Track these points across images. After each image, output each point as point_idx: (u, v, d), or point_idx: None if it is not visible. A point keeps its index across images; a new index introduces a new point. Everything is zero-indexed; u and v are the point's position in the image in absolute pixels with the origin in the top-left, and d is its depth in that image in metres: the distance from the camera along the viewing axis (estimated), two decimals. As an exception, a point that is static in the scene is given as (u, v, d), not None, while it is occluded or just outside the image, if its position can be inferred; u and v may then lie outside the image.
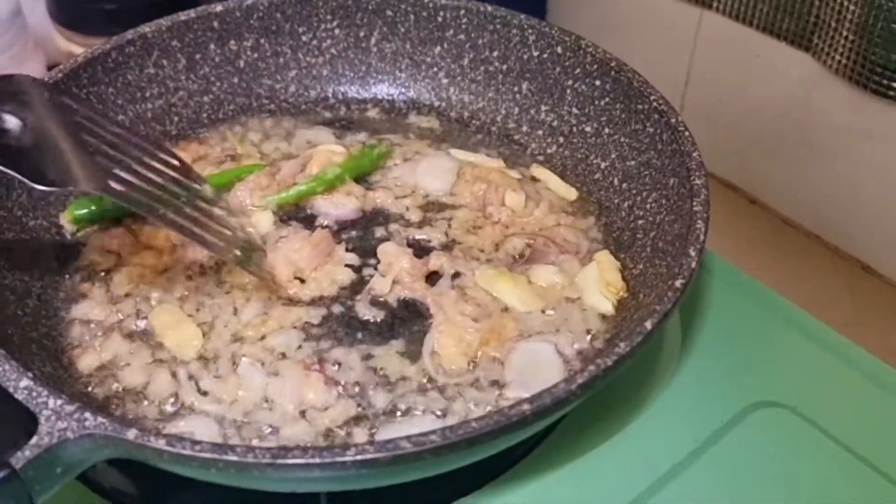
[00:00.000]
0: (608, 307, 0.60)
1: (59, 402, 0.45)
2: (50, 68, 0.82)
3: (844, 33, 0.82)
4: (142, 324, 0.59)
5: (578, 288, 0.62)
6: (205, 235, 0.56)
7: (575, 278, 0.62)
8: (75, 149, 0.54)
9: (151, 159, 0.58)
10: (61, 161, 0.53)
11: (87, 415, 0.45)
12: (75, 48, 0.86)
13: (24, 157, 0.52)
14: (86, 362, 0.57)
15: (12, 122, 0.53)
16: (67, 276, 0.63)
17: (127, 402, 0.55)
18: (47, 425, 0.44)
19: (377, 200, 0.68)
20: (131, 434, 0.44)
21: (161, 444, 0.44)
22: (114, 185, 0.54)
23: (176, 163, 0.60)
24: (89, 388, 0.56)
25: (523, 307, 0.60)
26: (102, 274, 0.63)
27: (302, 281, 0.62)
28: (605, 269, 0.62)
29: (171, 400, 0.55)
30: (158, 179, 0.57)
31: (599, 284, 0.61)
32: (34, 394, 0.46)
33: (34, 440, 0.44)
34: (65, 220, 0.65)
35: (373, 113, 0.77)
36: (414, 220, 0.67)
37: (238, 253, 0.58)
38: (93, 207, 0.65)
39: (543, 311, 0.61)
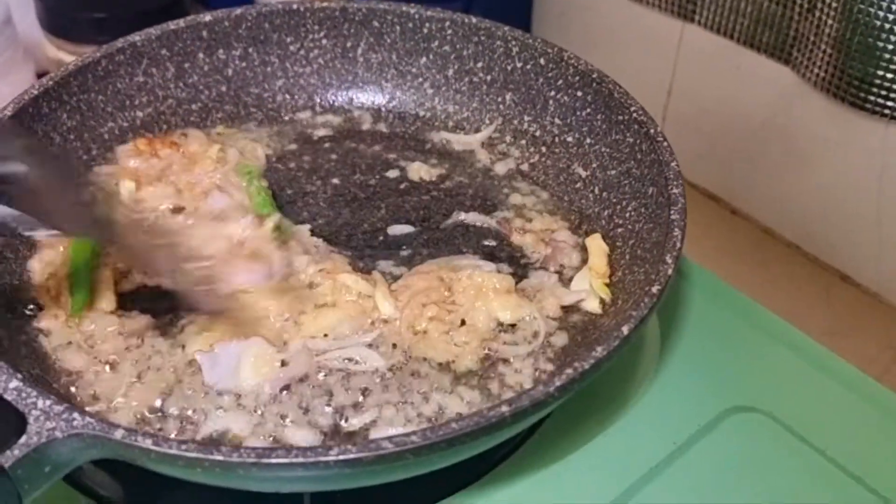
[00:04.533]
0: (595, 305, 0.62)
1: (48, 402, 0.46)
2: (40, 76, 0.83)
3: (823, 47, 0.83)
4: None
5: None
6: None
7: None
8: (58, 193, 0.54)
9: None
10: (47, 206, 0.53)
11: (76, 415, 0.46)
12: (65, 56, 0.87)
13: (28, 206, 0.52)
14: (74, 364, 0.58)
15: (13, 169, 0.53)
16: (56, 280, 0.63)
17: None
18: (36, 425, 0.45)
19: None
20: (118, 434, 0.45)
21: (148, 443, 0.44)
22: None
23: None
24: (72, 390, 0.56)
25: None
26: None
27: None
28: (594, 252, 0.64)
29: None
30: None
31: (589, 273, 0.63)
32: (23, 394, 0.46)
33: (23, 439, 0.44)
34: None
35: (363, 122, 0.78)
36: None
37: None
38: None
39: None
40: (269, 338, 0.58)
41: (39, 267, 0.63)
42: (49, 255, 0.64)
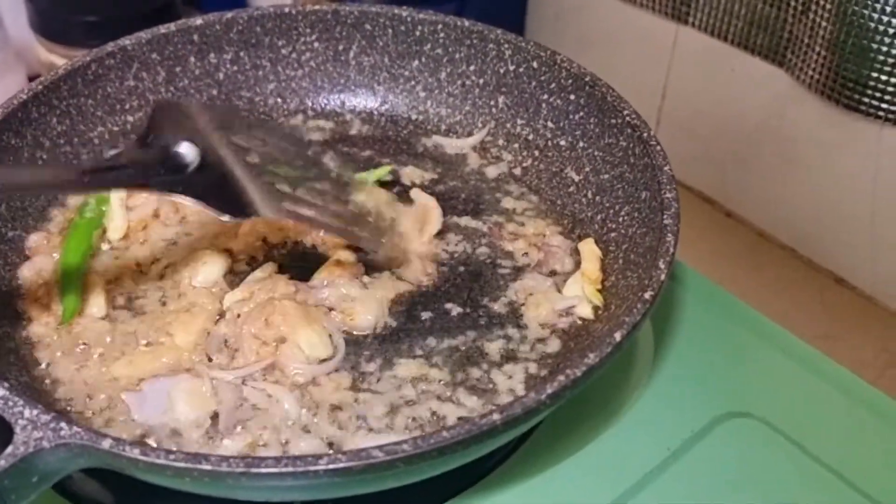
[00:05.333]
0: (587, 311, 0.61)
1: (35, 411, 0.46)
2: (31, 79, 0.83)
3: (817, 49, 0.83)
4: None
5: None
6: (361, 233, 0.59)
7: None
8: (245, 174, 0.55)
9: (299, 164, 0.59)
10: (237, 188, 0.54)
11: (63, 424, 0.45)
12: (56, 59, 0.87)
13: (206, 188, 0.53)
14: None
15: (190, 156, 0.54)
16: (45, 286, 0.63)
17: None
18: (23, 435, 0.45)
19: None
20: (106, 443, 0.44)
21: (136, 453, 0.44)
22: (287, 206, 0.56)
23: (310, 154, 0.61)
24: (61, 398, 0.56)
25: None
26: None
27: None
28: (587, 257, 0.64)
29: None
30: (317, 186, 0.59)
31: (581, 277, 0.62)
32: (10, 403, 0.46)
33: (9, 449, 0.44)
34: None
35: (352, 125, 0.78)
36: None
37: (384, 241, 0.61)
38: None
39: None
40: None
41: (31, 275, 0.63)
42: (41, 263, 0.63)
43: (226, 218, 0.54)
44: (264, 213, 0.55)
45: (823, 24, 0.81)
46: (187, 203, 0.54)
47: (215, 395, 0.55)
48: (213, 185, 0.54)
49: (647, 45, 1.00)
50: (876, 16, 0.77)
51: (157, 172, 0.53)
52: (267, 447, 0.53)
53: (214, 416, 0.55)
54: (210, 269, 0.64)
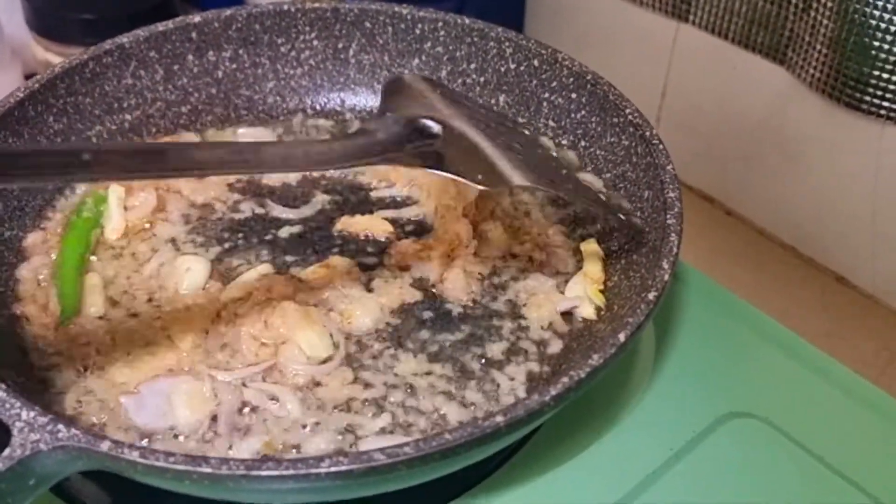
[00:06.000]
0: (590, 311, 0.61)
1: (33, 413, 0.45)
2: (27, 77, 0.82)
3: (818, 47, 0.82)
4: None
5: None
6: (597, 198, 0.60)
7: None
8: (489, 145, 0.55)
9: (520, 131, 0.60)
10: (486, 160, 0.54)
11: (61, 427, 0.45)
12: (53, 58, 0.86)
13: (455, 160, 0.53)
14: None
15: (436, 129, 0.54)
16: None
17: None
18: (20, 437, 0.44)
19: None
20: (105, 446, 0.44)
21: (135, 455, 0.44)
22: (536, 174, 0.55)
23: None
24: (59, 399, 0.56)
25: None
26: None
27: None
28: (589, 258, 0.63)
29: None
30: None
31: (584, 278, 0.62)
32: (7, 405, 0.45)
33: (7, 452, 0.43)
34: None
35: (352, 124, 0.77)
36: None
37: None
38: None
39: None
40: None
41: (28, 275, 0.62)
42: (38, 263, 0.63)
43: (482, 187, 0.53)
44: (520, 181, 0.54)
45: (825, 21, 0.81)
46: (441, 176, 0.53)
47: (215, 397, 0.55)
48: (461, 157, 0.54)
49: (646, 44, 1.00)
50: (878, 13, 0.77)
51: (408, 145, 0.53)
52: (277, 451, 0.53)
53: (214, 419, 0.54)
54: (193, 275, 0.63)
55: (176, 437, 0.54)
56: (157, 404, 0.54)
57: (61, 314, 0.60)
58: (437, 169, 0.53)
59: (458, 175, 0.53)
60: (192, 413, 0.54)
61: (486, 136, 0.56)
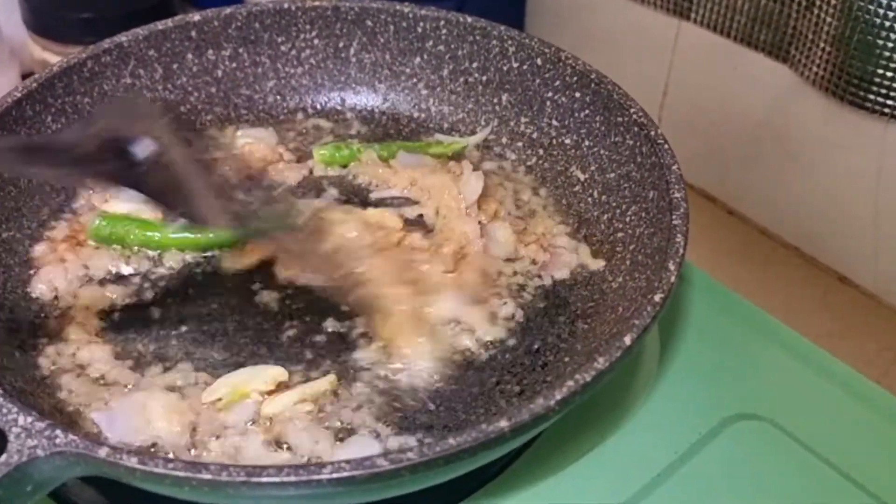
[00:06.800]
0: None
1: (30, 419, 0.45)
2: (25, 77, 0.81)
3: (822, 45, 0.82)
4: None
5: None
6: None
7: None
8: (197, 180, 0.54)
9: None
10: (186, 192, 0.53)
11: (58, 432, 0.44)
12: (51, 57, 0.86)
13: (156, 186, 0.52)
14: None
15: (147, 149, 0.53)
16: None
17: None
18: (17, 443, 0.44)
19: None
20: (103, 452, 0.44)
21: (133, 462, 0.43)
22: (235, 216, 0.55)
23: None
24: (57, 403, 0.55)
25: None
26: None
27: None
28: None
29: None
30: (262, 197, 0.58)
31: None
32: (3, 410, 0.45)
33: (3, 458, 0.43)
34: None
35: (352, 123, 0.77)
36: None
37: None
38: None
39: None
40: None
41: (44, 287, 0.62)
42: (50, 273, 0.62)
43: (170, 218, 0.52)
44: (212, 220, 0.53)
45: (828, 19, 0.80)
46: (132, 196, 0.52)
47: (192, 408, 0.54)
48: (163, 185, 0.52)
49: (648, 42, 0.99)
50: (882, 11, 0.76)
51: (103, 161, 0.51)
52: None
53: (194, 429, 0.53)
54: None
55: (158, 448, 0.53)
56: (129, 419, 0.53)
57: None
58: (136, 189, 0.52)
59: (154, 200, 0.53)
60: (170, 424, 0.53)
61: (196, 171, 0.54)
